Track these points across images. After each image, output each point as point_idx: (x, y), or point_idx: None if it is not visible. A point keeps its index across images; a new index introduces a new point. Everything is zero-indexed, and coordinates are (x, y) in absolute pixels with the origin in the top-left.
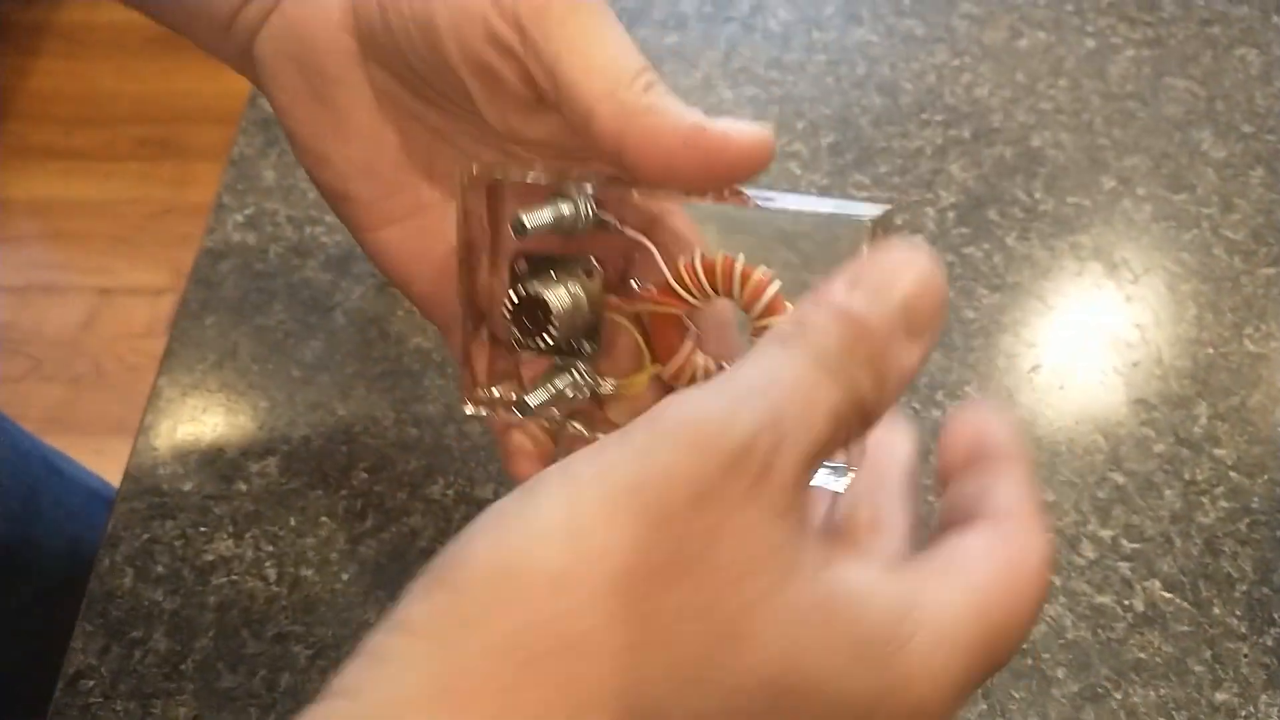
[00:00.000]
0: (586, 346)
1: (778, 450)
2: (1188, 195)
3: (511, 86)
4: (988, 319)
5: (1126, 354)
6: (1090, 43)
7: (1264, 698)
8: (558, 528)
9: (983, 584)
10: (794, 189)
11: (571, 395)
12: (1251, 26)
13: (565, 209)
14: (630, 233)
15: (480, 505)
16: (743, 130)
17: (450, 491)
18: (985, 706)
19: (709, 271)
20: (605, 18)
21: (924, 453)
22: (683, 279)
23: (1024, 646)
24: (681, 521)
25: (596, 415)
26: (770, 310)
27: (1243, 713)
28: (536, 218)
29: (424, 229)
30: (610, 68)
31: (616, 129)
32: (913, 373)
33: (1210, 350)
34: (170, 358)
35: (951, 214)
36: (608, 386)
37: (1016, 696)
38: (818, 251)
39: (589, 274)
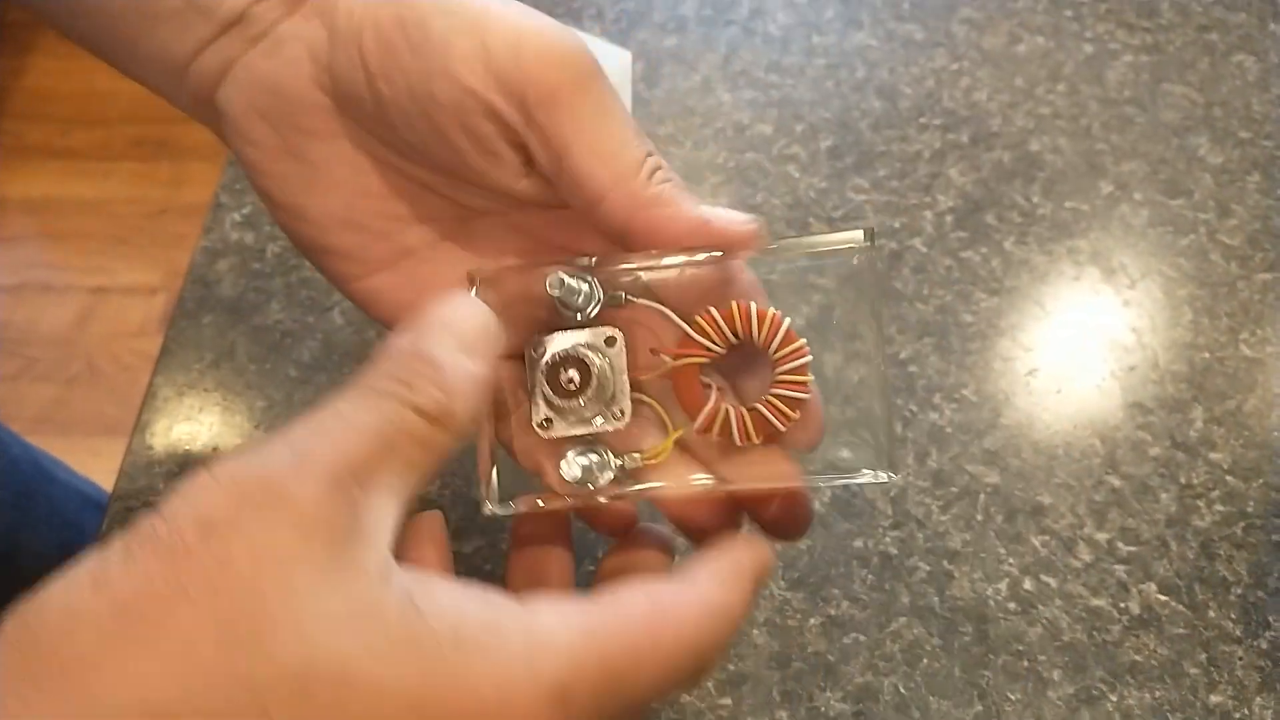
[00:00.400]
0: (619, 413)
1: (297, 474)
2: (1185, 200)
3: (509, 160)
4: (985, 323)
5: (1123, 358)
6: (1089, 48)
7: (1258, 700)
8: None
9: (617, 622)
10: (792, 192)
11: (599, 473)
12: (1249, 33)
13: (582, 287)
14: (642, 301)
15: (476, 505)
16: (739, 222)
17: (447, 491)
18: (981, 708)
19: (729, 319)
20: (611, 103)
21: (922, 455)
22: (703, 329)
23: (1020, 648)
24: (191, 556)
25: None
26: (787, 343)
27: (1237, 715)
28: (564, 283)
29: (414, 273)
30: (618, 157)
31: (624, 217)
32: (479, 378)
33: (1206, 355)
34: (166, 357)
35: (949, 218)
36: (634, 462)
37: (1012, 698)
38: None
39: (610, 343)
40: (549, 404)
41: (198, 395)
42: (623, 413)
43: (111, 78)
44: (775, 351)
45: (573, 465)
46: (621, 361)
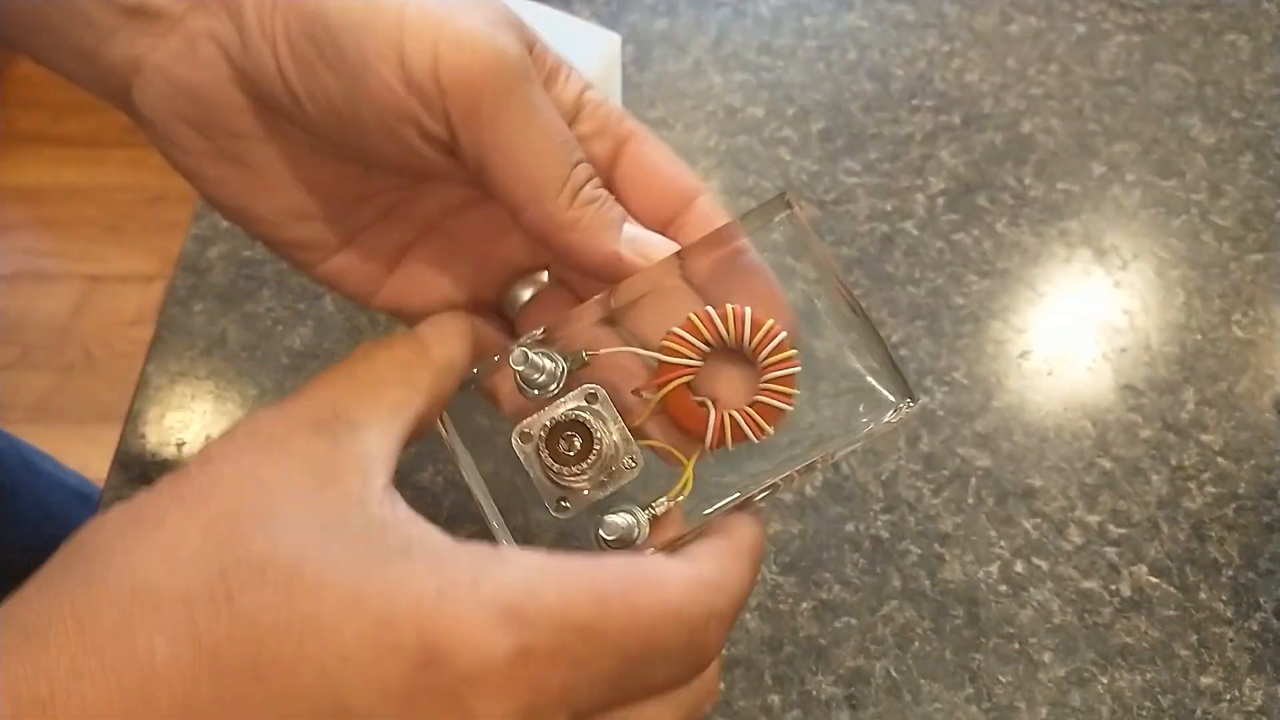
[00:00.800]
0: (631, 462)
1: (282, 420)
2: (1177, 181)
3: (443, 163)
4: (977, 305)
5: (1115, 340)
6: (1080, 28)
7: (1249, 682)
8: None
9: (585, 570)
10: (784, 175)
11: (637, 531)
12: (1242, 12)
13: (546, 364)
14: (605, 351)
15: (470, 492)
16: (656, 251)
17: (440, 478)
18: (972, 690)
19: (720, 320)
20: (534, 112)
21: (913, 438)
22: (682, 339)
23: (1011, 631)
24: (190, 477)
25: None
26: (778, 352)
27: (1227, 696)
28: (528, 358)
29: (372, 245)
30: (536, 176)
31: (542, 235)
32: (451, 321)
33: (1198, 336)
34: (159, 345)
35: (941, 200)
36: (663, 505)
37: (1003, 680)
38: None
39: (592, 399)
40: (556, 481)
41: (190, 383)
42: (635, 460)
43: None
44: (765, 359)
45: (610, 530)
46: (612, 411)
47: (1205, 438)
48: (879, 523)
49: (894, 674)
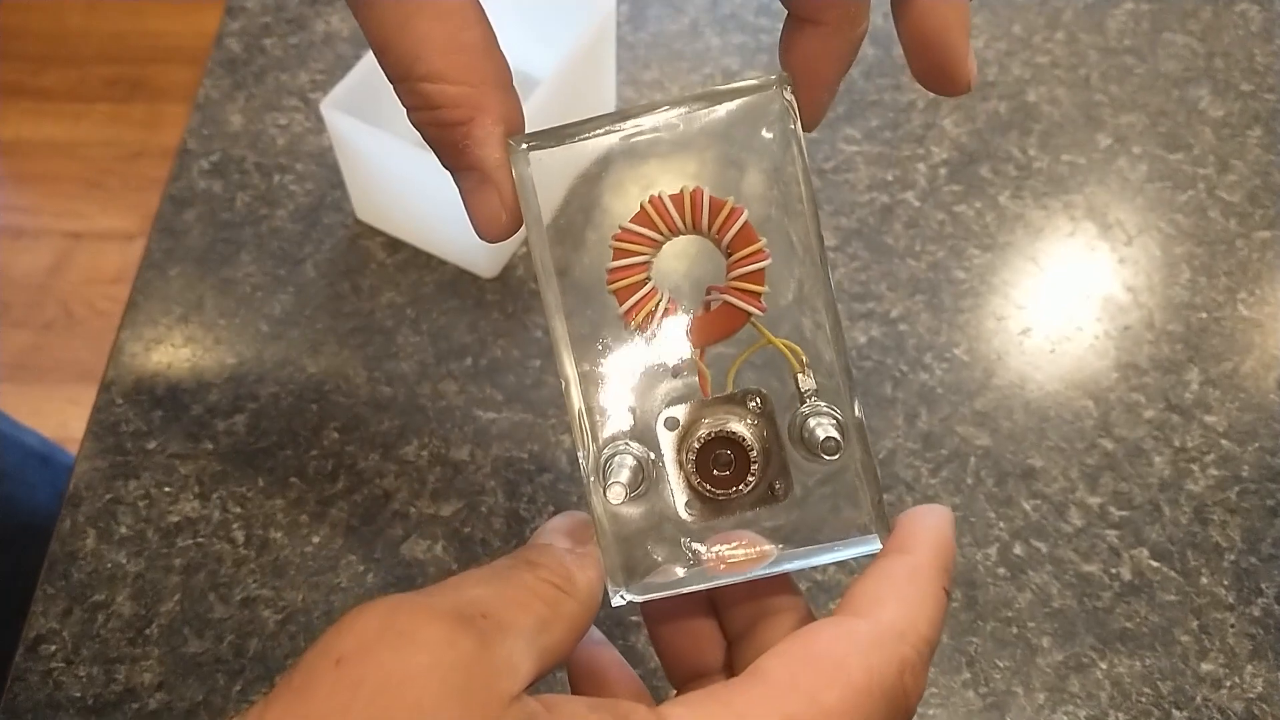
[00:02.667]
0: (778, 489)
1: (427, 609)
2: (1184, 155)
3: None
4: (978, 279)
5: (1118, 317)
6: None
7: (1249, 668)
8: None
9: (797, 686)
10: None
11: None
12: None
13: (630, 463)
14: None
15: (456, 467)
16: None
17: (424, 453)
18: (969, 675)
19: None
20: None
21: (912, 416)
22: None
23: (1009, 615)
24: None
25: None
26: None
27: (1228, 683)
28: (620, 478)
29: None
30: None
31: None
32: (591, 555)
33: (1203, 315)
34: (133, 310)
35: (943, 170)
36: (809, 383)
37: (1001, 665)
38: (717, 143)
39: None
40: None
41: (166, 350)
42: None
43: (84, 15)
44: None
45: (828, 449)
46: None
47: (1209, 419)
48: None
49: None
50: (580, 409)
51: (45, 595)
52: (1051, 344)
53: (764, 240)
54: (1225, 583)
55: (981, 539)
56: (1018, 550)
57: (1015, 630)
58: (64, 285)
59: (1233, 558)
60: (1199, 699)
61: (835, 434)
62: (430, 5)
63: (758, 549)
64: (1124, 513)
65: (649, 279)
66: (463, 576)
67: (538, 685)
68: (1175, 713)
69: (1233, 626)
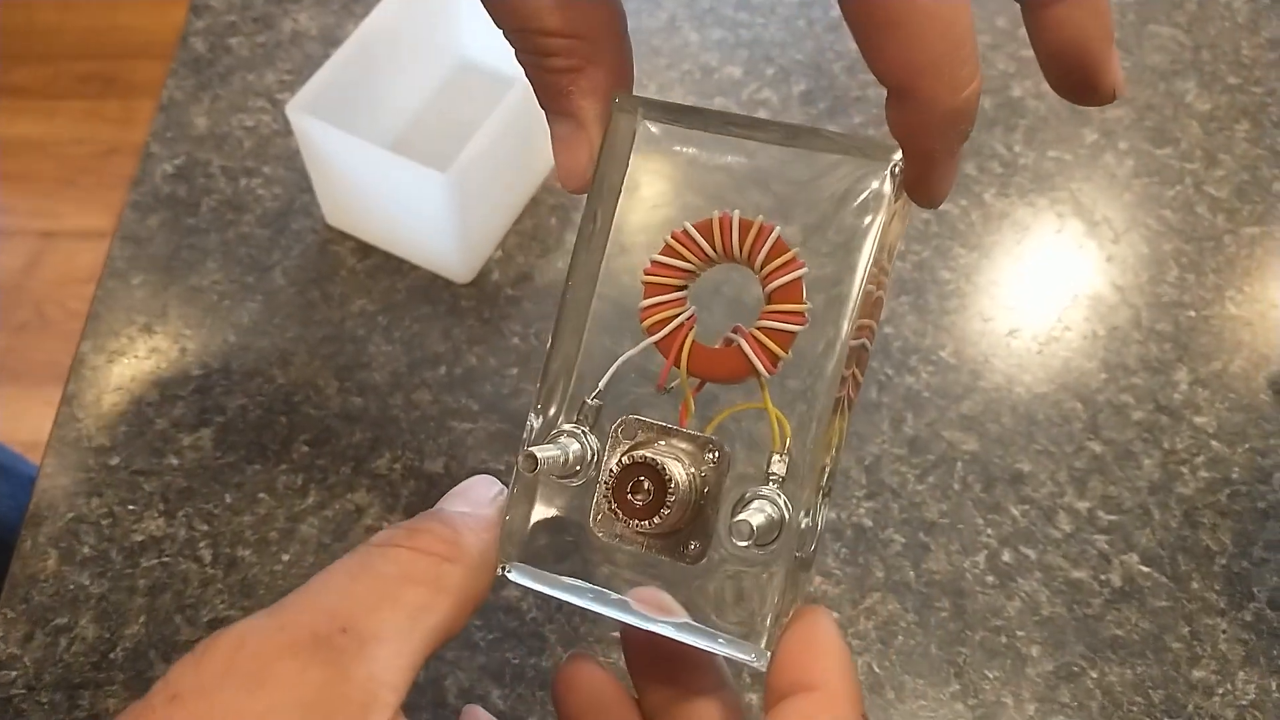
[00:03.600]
0: (693, 548)
1: (277, 637)
2: (1171, 149)
3: None
4: (964, 279)
5: (1106, 317)
6: None
7: (1241, 675)
8: None
9: None
10: None
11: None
12: None
13: (573, 448)
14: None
15: (430, 480)
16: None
17: (398, 465)
18: (958, 687)
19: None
20: None
21: (897, 421)
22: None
23: (998, 624)
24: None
25: None
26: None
27: (1220, 690)
28: (545, 452)
29: None
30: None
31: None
32: (489, 517)
33: (1192, 313)
34: (94, 321)
35: None
36: (780, 464)
37: (990, 676)
38: (794, 193)
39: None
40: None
41: (129, 362)
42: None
43: (56, 11)
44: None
45: (748, 536)
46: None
47: (1198, 420)
48: (861, 510)
49: (877, 670)
50: (556, 373)
51: (5, 619)
52: (1039, 345)
53: (808, 305)
54: (1216, 587)
55: (969, 546)
56: (1006, 557)
57: (1004, 639)
58: (37, 285)
59: (1224, 562)
60: (1191, 707)
61: (754, 523)
62: None
63: (664, 604)
64: (1113, 517)
65: (682, 310)
66: (327, 575)
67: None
68: None
69: (1224, 632)
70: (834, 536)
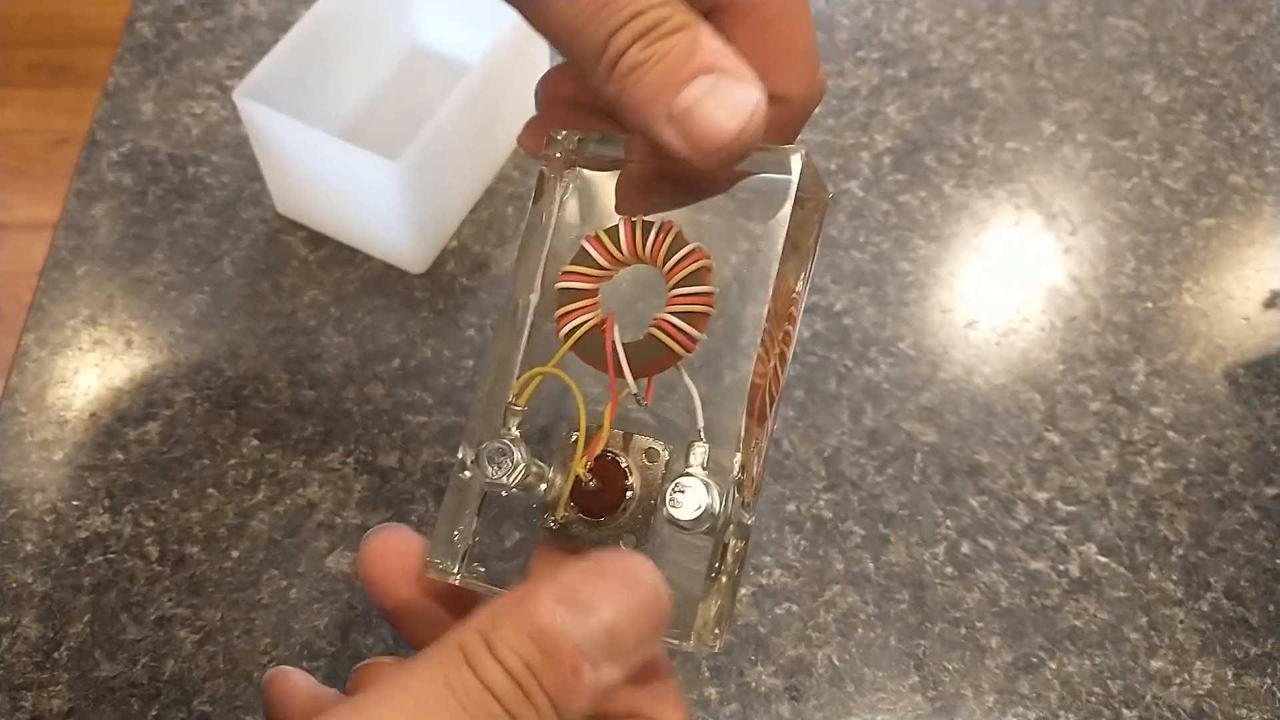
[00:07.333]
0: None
1: None
2: (1128, 141)
3: None
4: (923, 271)
5: (1064, 308)
6: None
7: (1198, 665)
8: None
9: None
10: None
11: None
12: None
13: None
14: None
15: (384, 474)
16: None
17: (350, 460)
18: (918, 679)
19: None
20: None
21: (857, 413)
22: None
23: (957, 615)
24: None
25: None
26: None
27: (1177, 680)
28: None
29: None
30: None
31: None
32: (607, 690)
33: (1149, 304)
34: (37, 313)
35: (888, 159)
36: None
37: (950, 668)
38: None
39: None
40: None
41: (73, 355)
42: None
43: None
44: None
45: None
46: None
47: (1155, 410)
48: (821, 502)
49: (836, 663)
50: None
51: None
52: (997, 336)
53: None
54: (1174, 578)
55: (929, 538)
56: (965, 549)
57: (964, 631)
58: None
59: (1181, 552)
60: (1149, 697)
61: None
62: None
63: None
64: (1071, 508)
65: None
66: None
67: None
68: (1125, 712)
69: (1181, 622)
70: (793, 529)
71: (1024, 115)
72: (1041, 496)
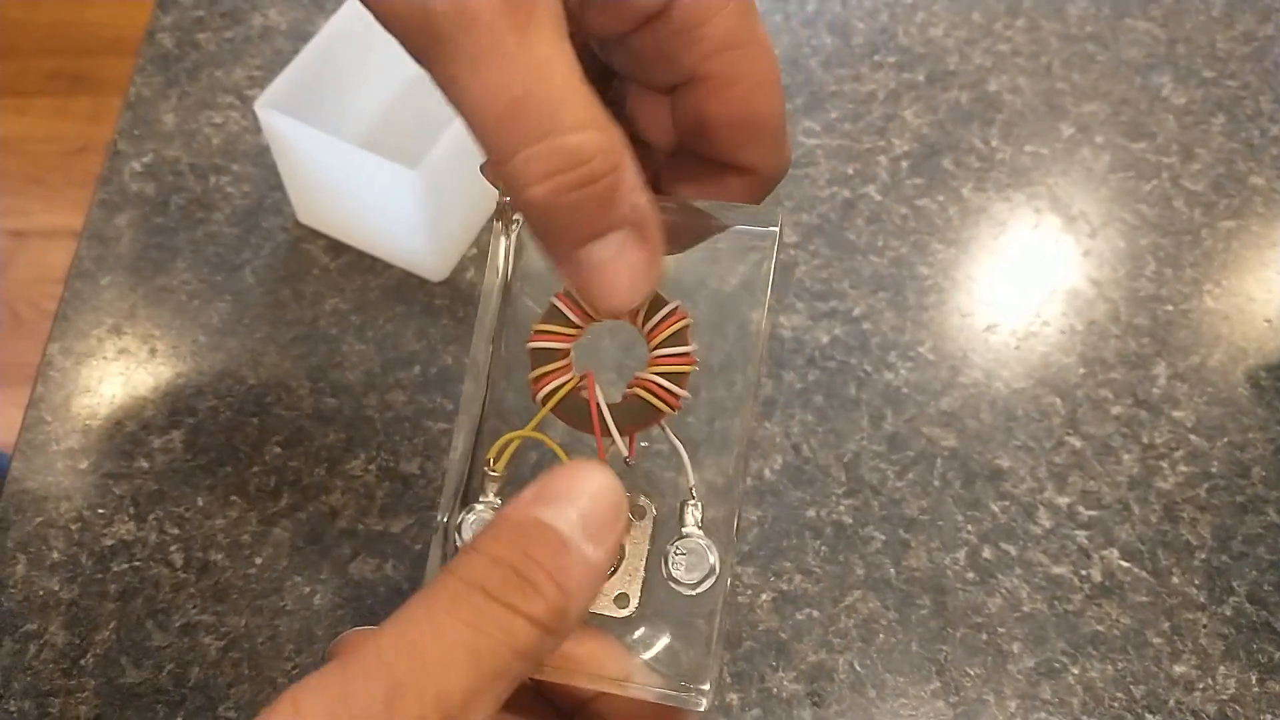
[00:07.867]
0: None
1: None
2: (1147, 143)
3: None
4: (942, 275)
5: (1084, 311)
6: None
7: (1222, 669)
8: None
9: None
10: None
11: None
12: None
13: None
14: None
15: (406, 481)
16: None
17: (372, 467)
18: (939, 684)
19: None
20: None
21: (876, 418)
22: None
23: (979, 620)
24: None
25: None
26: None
27: (1201, 685)
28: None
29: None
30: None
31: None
32: (600, 572)
33: (1169, 307)
34: (62, 323)
35: (905, 163)
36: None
37: (971, 673)
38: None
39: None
40: None
41: (98, 364)
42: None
43: (22, 7)
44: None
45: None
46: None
47: (1177, 414)
48: (841, 508)
49: (858, 668)
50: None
51: None
52: (1017, 340)
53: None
54: (1196, 582)
55: (950, 543)
56: (986, 554)
57: (985, 636)
58: (8, 285)
59: (1204, 556)
60: (1172, 702)
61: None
62: (553, 33)
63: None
64: (1093, 512)
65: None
66: (433, 629)
67: None
68: (1149, 717)
69: (1205, 627)
70: (814, 534)
71: (1042, 118)
72: (1063, 501)
